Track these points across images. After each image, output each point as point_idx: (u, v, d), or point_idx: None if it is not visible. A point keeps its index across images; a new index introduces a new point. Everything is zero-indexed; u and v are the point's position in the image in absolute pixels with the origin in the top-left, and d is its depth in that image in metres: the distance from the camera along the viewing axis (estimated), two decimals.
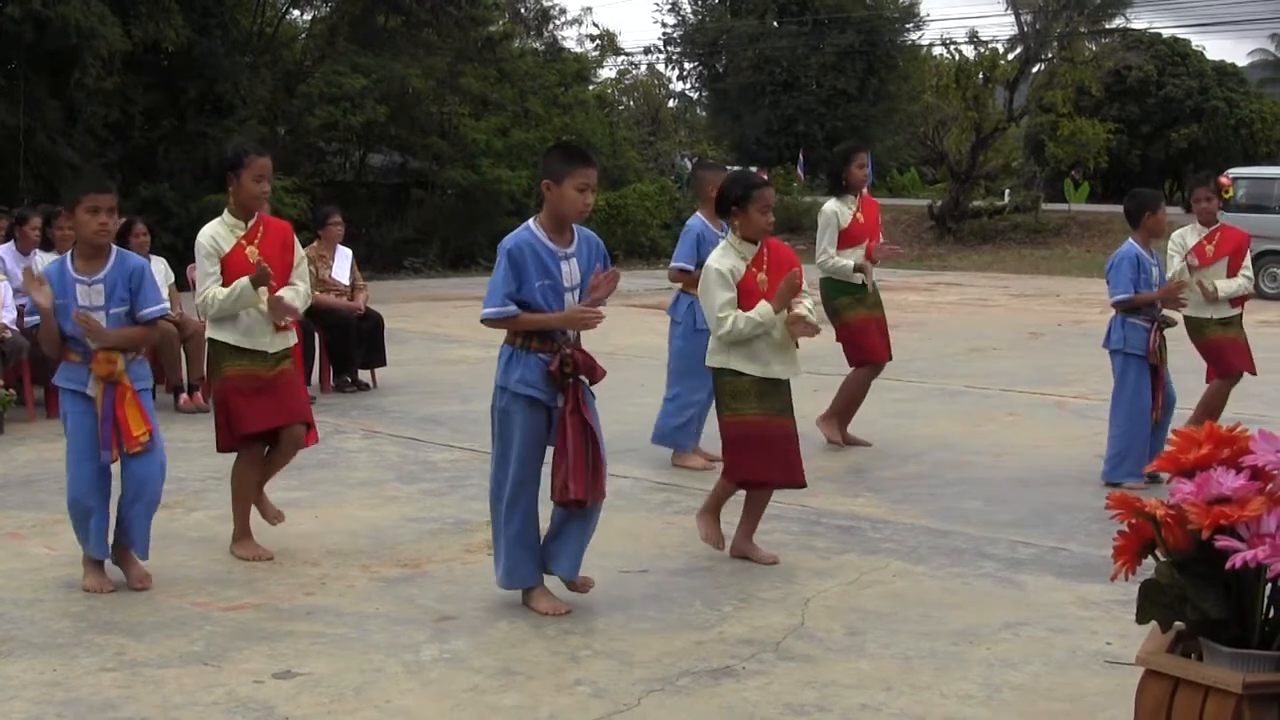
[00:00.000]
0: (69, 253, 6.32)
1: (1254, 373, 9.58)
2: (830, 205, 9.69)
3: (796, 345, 6.81)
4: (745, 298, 6.63)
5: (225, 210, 6.79)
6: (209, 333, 6.79)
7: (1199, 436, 3.82)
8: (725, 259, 6.71)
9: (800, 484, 6.92)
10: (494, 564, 6.15)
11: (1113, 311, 8.89)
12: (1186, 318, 9.34)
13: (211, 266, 6.64)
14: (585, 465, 5.92)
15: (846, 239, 9.59)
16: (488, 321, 5.95)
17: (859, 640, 5.69)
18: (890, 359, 10.02)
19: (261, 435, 6.83)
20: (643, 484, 8.51)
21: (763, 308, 6.59)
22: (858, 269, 9.57)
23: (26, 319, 10.56)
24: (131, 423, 6.22)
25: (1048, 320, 19.53)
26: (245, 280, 6.59)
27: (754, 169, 6.90)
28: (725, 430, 6.81)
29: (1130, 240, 8.84)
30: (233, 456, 6.95)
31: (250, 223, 6.76)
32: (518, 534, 6.00)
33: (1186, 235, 9.40)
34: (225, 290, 6.60)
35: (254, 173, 6.68)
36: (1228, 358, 9.42)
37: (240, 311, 6.67)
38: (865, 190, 9.78)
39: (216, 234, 6.70)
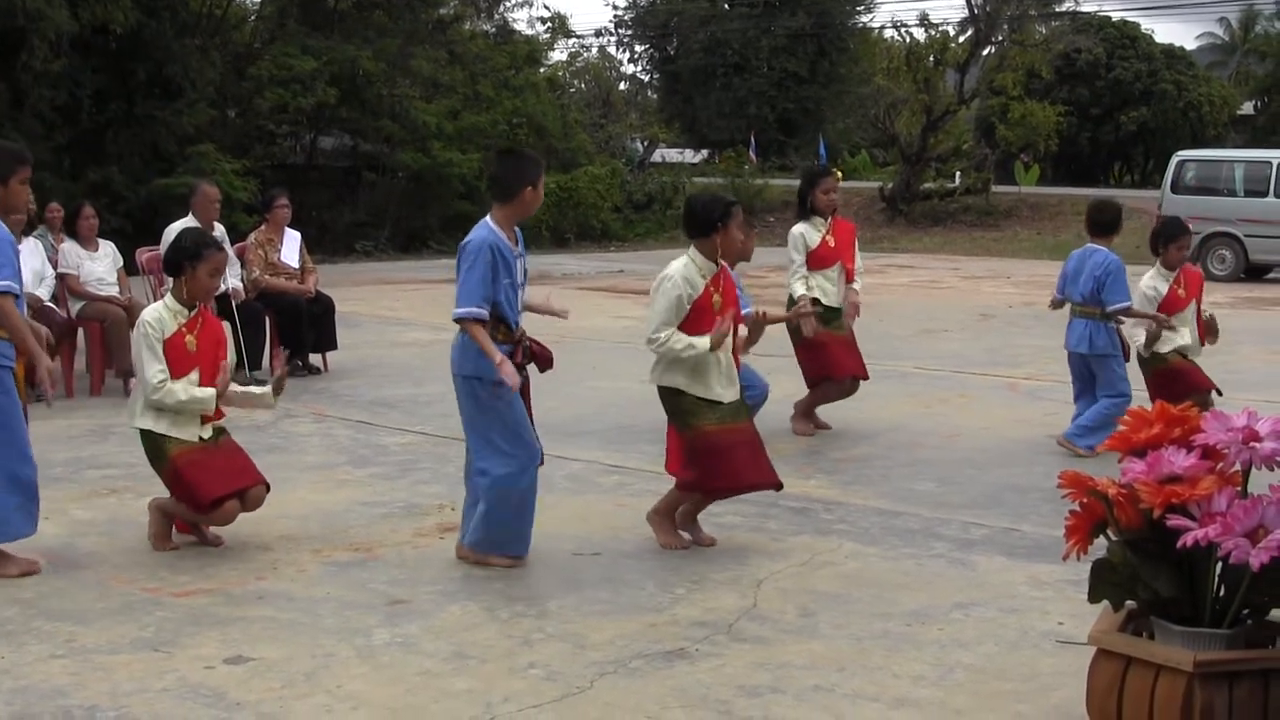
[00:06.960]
0: None
1: (1220, 391, 9.29)
2: (797, 228, 9.56)
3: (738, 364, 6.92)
4: (698, 315, 6.60)
5: (169, 295, 6.78)
6: (139, 423, 6.64)
7: (1150, 416, 3.85)
8: (688, 271, 6.66)
9: (775, 485, 6.84)
10: (504, 542, 6.39)
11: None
12: (1139, 356, 9.27)
13: (159, 348, 6.56)
14: None
15: (815, 261, 9.48)
16: (462, 321, 6.16)
17: (812, 621, 5.70)
18: (863, 376, 9.77)
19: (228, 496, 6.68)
20: (594, 467, 8.49)
21: (701, 342, 6.53)
22: (800, 301, 9.29)
23: None
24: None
25: (998, 302, 19.61)
26: (210, 392, 6.59)
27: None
28: (688, 444, 6.70)
29: (1106, 249, 9.08)
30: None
31: (193, 313, 6.73)
32: (533, 506, 6.44)
33: (1157, 283, 9.22)
34: (188, 394, 6.53)
35: (210, 267, 6.69)
36: (1182, 384, 9.03)
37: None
38: (836, 214, 9.66)
39: (161, 318, 6.65)
